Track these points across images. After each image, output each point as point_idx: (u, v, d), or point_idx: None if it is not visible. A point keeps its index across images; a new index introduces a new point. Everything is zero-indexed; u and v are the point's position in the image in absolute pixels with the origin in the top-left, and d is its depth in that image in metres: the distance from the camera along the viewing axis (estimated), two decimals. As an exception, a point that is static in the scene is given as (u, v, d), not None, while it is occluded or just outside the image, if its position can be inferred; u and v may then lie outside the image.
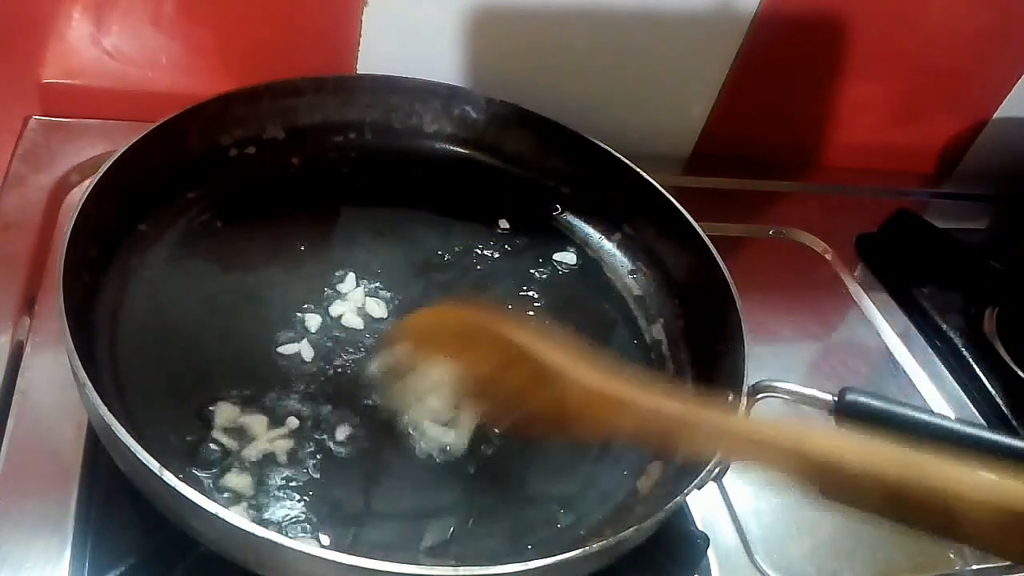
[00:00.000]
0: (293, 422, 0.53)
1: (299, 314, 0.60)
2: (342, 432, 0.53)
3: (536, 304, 0.66)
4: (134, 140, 0.58)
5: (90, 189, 0.53)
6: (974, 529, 0.39)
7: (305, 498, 0.50)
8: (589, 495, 0.54)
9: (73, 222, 0.51)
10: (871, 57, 0.87)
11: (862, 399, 0.50)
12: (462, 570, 0.41)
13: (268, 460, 0.51)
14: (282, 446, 0.52)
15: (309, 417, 0.54)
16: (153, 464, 0.41)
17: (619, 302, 0.69)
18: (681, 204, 0.66)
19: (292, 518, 0.48)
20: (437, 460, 0.53)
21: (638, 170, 0.69)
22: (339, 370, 0.57)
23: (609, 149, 0.70)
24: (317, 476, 0.51)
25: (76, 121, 0.72)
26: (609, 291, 0.69)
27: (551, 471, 0.55)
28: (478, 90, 0.73)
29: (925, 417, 0.50)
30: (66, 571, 0.46)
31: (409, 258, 0.66)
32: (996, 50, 0.90)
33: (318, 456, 0.52)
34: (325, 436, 0.53)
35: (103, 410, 0.43)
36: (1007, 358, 0.77)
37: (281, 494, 0.49)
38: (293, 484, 0.50)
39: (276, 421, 0.53)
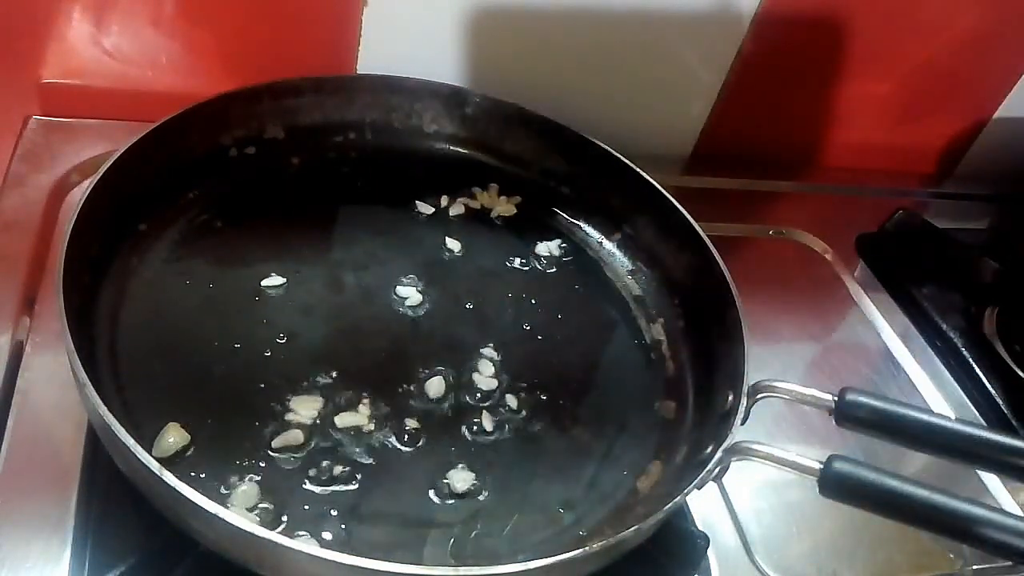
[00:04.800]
0: (295, 421, 0.53)
1: (300, 314, 0.60)
2: (344, 433, 0.53)
3: (536, 304, 0.66)
4: (134, 140, 0.58)
5: (90, 189, 0.53)
6: None
7: (307, 498, 0.50)
8: (589, 495, 0.54)
9: (73, 222, 0.51)
10: (871, 57, 0.87)
11: (862, 399, 0.50)
12: (462, 570, 0.41)
13: (269, 460, 0.51)
14: (283, 445, 0.52)
15: (312, 417, 0.54)
16: (153, 464, 0.41)
17: (619, 302, 0.69)
18: (681, 204, 0.66)
19: (293, 518, 0.48)
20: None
21: (638, 170, 0.69)
22: (340, 370, 0.57)
23: (609, 149, 0.70)
24: (319, 477, 0.51)
25: (76, 121, 0.72)
26: (609, 291, 0.69)
27: (552, 471, 0.55)
28: (478, 90, 0.73)
29: (925, 417, 0.50)
30: (66, 571, 0.46)
31: (409, 259, 0.66)
32: (996, 50, 0.90)
33: (320, 457, 0.52)
34: (328, 437, 0.53)
35: (103, 410, 0.43)
36: (1007, 358, 0.77)
37: (282, 494, 0.49)
38: (294, 484, 0.50)
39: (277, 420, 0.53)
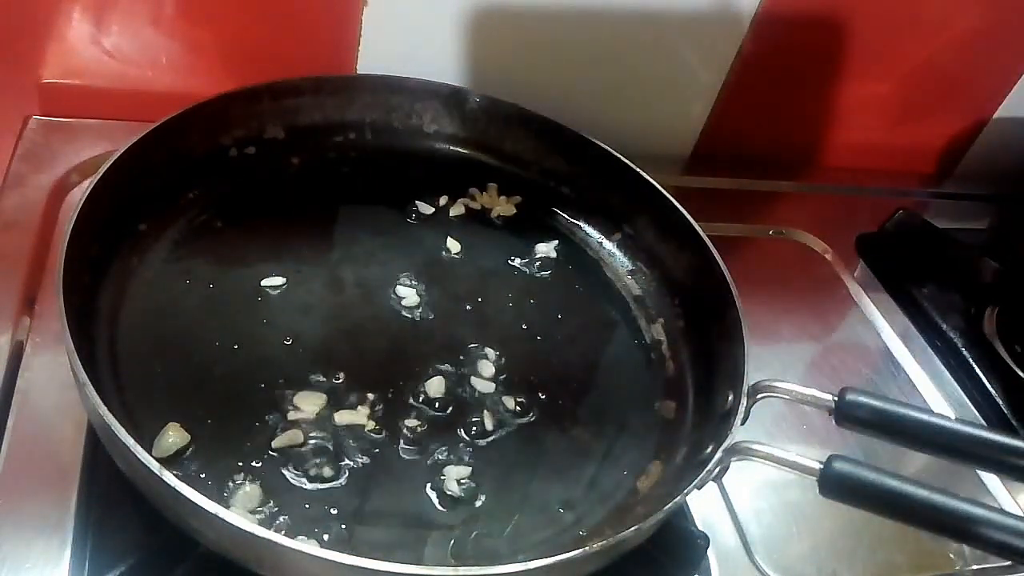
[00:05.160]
0: (295, 420, 0.53)
1: (300, 314, 0.60)
2: (345, 433, 0.53)
3: (536, 304, 0.66)
4: (134, 140, 0.58)
5: (90, 189, 0.53)
6: None
7: (307, 498, 0.50)
8: (589, 495, 0.54)
9: (73, 222, 0.51)
10: (871, 57, 0.87)
11: (862, 399, 0.50)
12: (462, 570, 0.41)
13: (269, 459, 0.51)
14: (283, 445, 0.52)
15: (313, 414, 0.54)
16: (153, 464, 0.41)
17: (619, 302, 0.69)
18: (681, 204, 0.66)
19: (293, 517, 0.48)
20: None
21: (638, 170, 0.69)
22: (340, 370, 0.57)
23: (609, 149, 0.70)
24: (320, 476, 0.51)
25: (76, 121, 0.72)
26: (609, 291, 0.69)
27: (552, 471, 0.55)
28: (478, 90, 0.73)
29: (925, 417, 0.50)
30: (66, 571, 0.46)
31: (409, 259, 0.66)
32: (996, 50, 0.90)
33: (321, 456, 0.52)
34: (328, 437, 0.53)
35: (103, 410, 0.43)
36: (1007, 358, 0.77)
37: (283, 493, 0.49)
38: (295, 484, 0.50)
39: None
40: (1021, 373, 0.75)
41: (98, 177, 0.54)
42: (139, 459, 0.41)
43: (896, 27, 0.86)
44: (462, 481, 0.53)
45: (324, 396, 0.55)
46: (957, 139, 0.99)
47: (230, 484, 0.49)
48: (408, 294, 0.63)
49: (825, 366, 0.74)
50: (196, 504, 0.40)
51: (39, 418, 0.52)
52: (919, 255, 0.85)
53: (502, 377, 0.60)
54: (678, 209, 0.66)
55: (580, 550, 0.43)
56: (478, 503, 0.52)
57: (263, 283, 0.60)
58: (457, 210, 0.72)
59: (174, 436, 0.49)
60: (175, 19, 0.70)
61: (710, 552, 0.55)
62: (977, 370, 0.75)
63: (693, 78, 0.84)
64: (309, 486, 0.50)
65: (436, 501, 0.52)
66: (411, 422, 0.55)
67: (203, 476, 0.49)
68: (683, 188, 0.75)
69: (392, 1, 0.72)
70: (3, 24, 0.68)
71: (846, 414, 0.50)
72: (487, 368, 0.60)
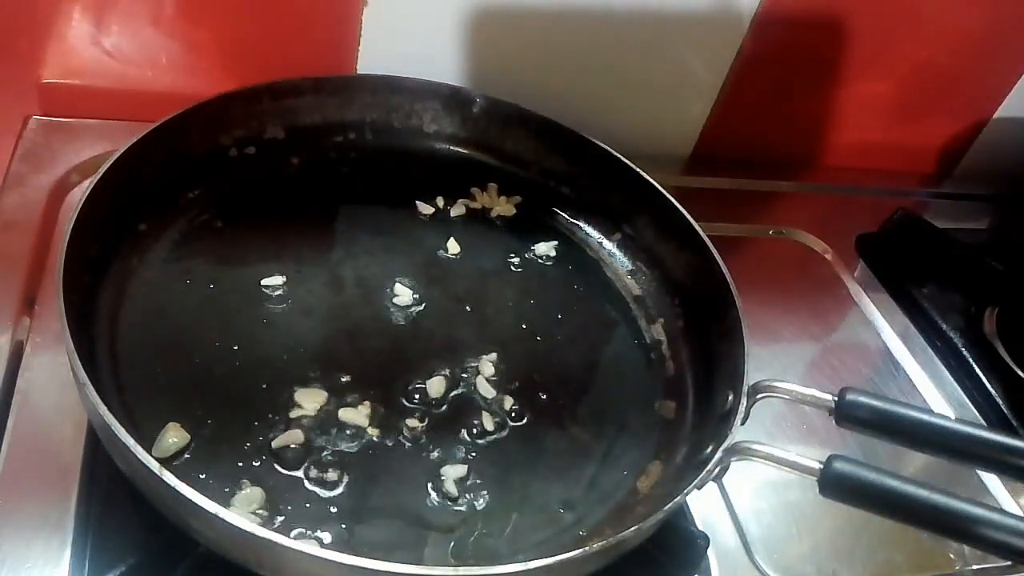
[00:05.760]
0: (295, 420, 0.53)
1: (300, 314, 0.60)
2: (345, 433, 0.53)
3: (536, 304, 0.66)
4: (134, 140, 0.58)
5: (90, 189, 0.53)
6: None
7: (307, 498, 0.50)
8: (589, 495, 0.54)
9: (73, 222, 0.51)
10: (871, 57, 0.87)
11: (862, 399, 0.50)
12: (462, 570, 0.41)
13: (269, 459, 0.51)
14: (283, 445, 0.52)
15: (315, 412, 0.54)
16: (153, 464, 0.41)
17: (619, 302, 0.69)
18: (681, 204, 0.67)
19: (293, 517, 0.48)
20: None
21: (638, 170, 0.69)
22: (340, 370, 0.57)
23: (609, 149, 0.70)
24: (320, 476, 0.51)
25: (76, 121, 0.72)
26: (609, 291, 0.69)
27: (552, 471, 0.55)
28: (478, 90, 0.73)
29: (925, 417, 0.50)
30: (66, 571, 0.46)
31: (409, 259, 0.66)
32: (996, 50, 0.90)
33: (321, 457, 0.52)
34: (328, 437, 0.53)
35: (103, 410, 0.43)
36: (1007, 358, 0.77)
37: (283, 494, 0.49)
38: (295, 484, 0.50)
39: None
40: (1021, 373, 0.75)
41: (98, 177, 0.54)
42: (139, 459, 0.41)
43: (896, 27, 0.86)
44: (462, 481, 0.53)
45: (324, 395, 0.55)
46: (957, 139, 0.99)
47: (230, 484, 0.49)
48: (408, 294, 0.63)
49: (825, 366, 0.74)
50: (196, 504, 0.40)
51: (39, 418, 0.52)
52: (919, 255, 0.85)
53: (502, 377, 0.60)
54: (678, 209, 0.66)
55: (580, 550, 0.43)
56: (478, 503, 0.52)
57: (263, 283, 0.60)
58: (457, 210, 0.72)
59: (174, 436, 0.49)
60: (175, 19, 0.70)
61: (710, 552, 0.55)
62: (977, 370, 0.75)
63: (693, 78, 0.84)
64: (309, 486, 0.50)
65: (436, 501, 0.52)
66: (411, 422, 0.55)
67: (203, 476, 0.49)
68: (683, 188, 0.75)
69: (392, 1, 0.72)
70: (3, 24, 0.68)
71: (846, 414, 0.50)
72: (487, 368, 0.60)
